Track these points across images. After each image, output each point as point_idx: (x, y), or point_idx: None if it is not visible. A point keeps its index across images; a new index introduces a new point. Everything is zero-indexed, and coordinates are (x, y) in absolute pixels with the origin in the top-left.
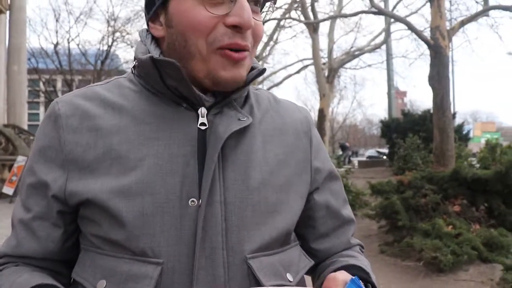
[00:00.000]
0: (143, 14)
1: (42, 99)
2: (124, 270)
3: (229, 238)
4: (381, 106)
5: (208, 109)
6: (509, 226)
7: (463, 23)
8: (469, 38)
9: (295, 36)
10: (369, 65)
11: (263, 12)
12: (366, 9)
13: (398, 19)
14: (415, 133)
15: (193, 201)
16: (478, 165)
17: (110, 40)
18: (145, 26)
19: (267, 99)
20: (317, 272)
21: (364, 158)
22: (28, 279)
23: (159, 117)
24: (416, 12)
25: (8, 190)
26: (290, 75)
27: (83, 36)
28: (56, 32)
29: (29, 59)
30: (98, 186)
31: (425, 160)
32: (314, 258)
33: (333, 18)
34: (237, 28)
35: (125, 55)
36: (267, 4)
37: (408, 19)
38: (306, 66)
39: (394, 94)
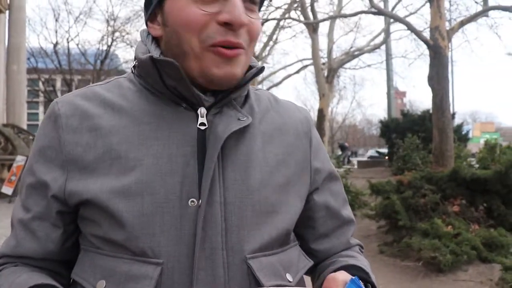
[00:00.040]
0: (143, 14)
1: (41, 98)
2: (124, 271)
3: (229, 238)
4: (381, 106)
5: (208, 109)
6: (509, 226)
7: (462, 24)
8: (468, 39)
9: (294, 36)
10: (369, 65)
11: (261, 11)
12: (366, 9)
13: (398, 19)
14: (414, 133)
15: (193, 201)
16: (477, 165)
17: (110, 40)
18: (144, 26)
19: (267, 99)
20: (316, 272)
21: (365, 158)
22: (26, 279)
23: (159, 117)
24: (415, 12)
25: (7, 189)
26: (289, 75)
27: (82, 35)
28: (56, 31)
29: (28, 58)
30: (97, 186)
31: (424, 160)
32: (314, 259)
33: (332, 18)
34: (229, 26)
35: (125, 55)
36: (265, 3)
37: (407, 19)
38: (305, 66)
39: (393, 94)
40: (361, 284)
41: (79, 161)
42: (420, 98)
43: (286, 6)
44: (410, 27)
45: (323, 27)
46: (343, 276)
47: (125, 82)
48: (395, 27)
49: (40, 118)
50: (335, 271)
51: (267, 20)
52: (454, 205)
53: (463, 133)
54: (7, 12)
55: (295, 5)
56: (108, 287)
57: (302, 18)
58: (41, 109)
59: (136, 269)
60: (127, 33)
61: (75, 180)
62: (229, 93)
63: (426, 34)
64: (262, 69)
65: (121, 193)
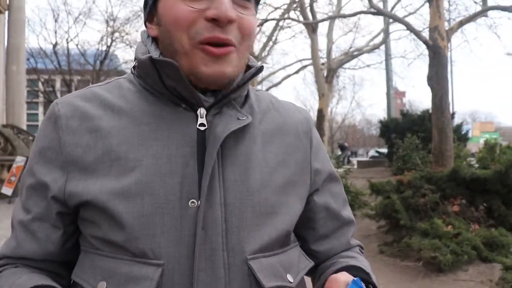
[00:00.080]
0: (142, 15)
1: (41, 99)
2: (124, 272)
3: (229, 239)
4: (380, 106)
5: (208, 110)
6: (509, 226)
7: (461, 23)
8: (467, 38)
9: (294, 36)
10: (368, 65)
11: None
12: (365, 9)
13: (397, 19)
14: (414, 133)
15: (193, 202)
16: (477, 165)
17: (109, 40)
18: (144, 27)
19: (268, 100)
20: (317, 273)
21: (366, 158)
22: (27, 280)
23: (158, 118)
24: (414, 12)
25: (7, 190)
26: (289, 75)
27: (82, 36)
28: (55, 32)
29: (28, 59)
30: (97, 187)
31: (424, 160)
32: (314, 259)
33: (332, 19)
34: (216, 21)
35: (124, 55)
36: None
37: (406, 19)
38: (305, 66)
39: (393, 94)
40: (363, 285)
41: (79, 162)
42: (419, 98)
43: (285, 7)
44: (410, 27)
45: (322, 27)
46: (345, 277)
47: (125, 82)
48: (394, 27)
49: (39, 118)
50: (336, 272)
51: (266, 20)
52: (454, 205)
53: (463, 133)
54: (6, 12)
55: (294, 5)
56: None
57: (301, 19)
58: (40, 109)
59: (137, 270)
60: (127, 34)
61: (75, 181)
62: (229, 93)
63: (425, 34)
64: (261, 69)
65: (121, 194)
